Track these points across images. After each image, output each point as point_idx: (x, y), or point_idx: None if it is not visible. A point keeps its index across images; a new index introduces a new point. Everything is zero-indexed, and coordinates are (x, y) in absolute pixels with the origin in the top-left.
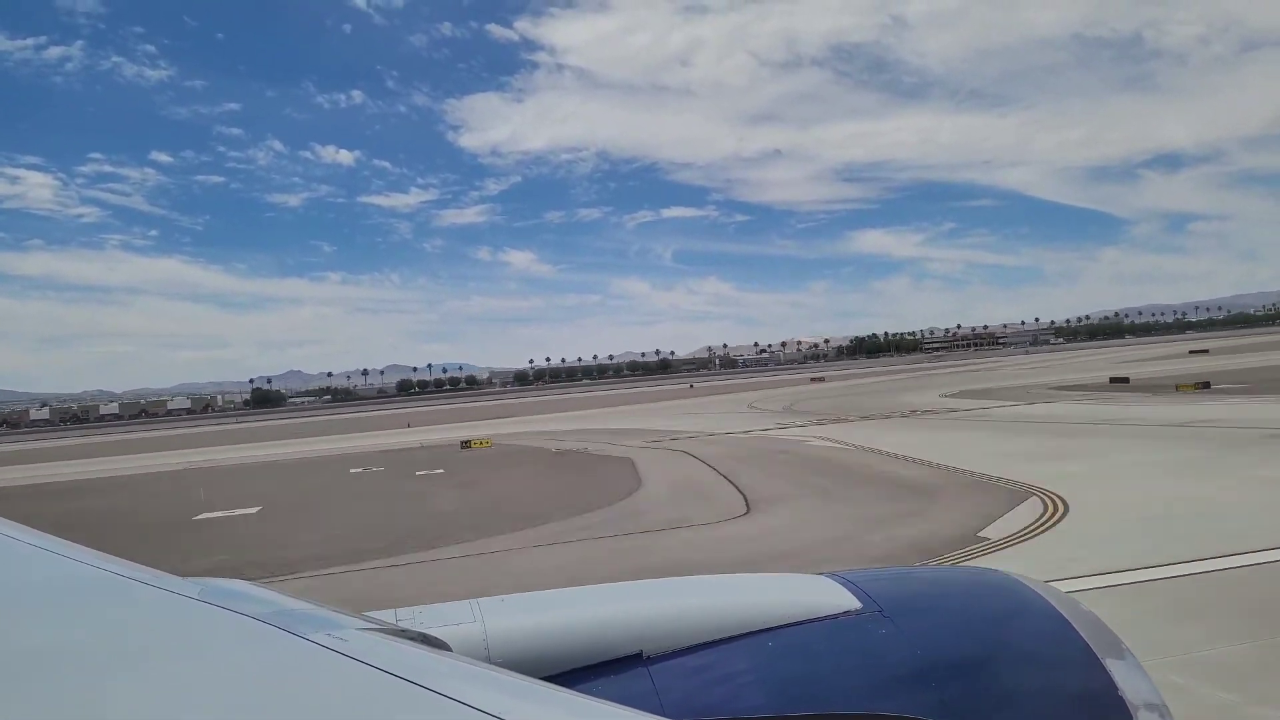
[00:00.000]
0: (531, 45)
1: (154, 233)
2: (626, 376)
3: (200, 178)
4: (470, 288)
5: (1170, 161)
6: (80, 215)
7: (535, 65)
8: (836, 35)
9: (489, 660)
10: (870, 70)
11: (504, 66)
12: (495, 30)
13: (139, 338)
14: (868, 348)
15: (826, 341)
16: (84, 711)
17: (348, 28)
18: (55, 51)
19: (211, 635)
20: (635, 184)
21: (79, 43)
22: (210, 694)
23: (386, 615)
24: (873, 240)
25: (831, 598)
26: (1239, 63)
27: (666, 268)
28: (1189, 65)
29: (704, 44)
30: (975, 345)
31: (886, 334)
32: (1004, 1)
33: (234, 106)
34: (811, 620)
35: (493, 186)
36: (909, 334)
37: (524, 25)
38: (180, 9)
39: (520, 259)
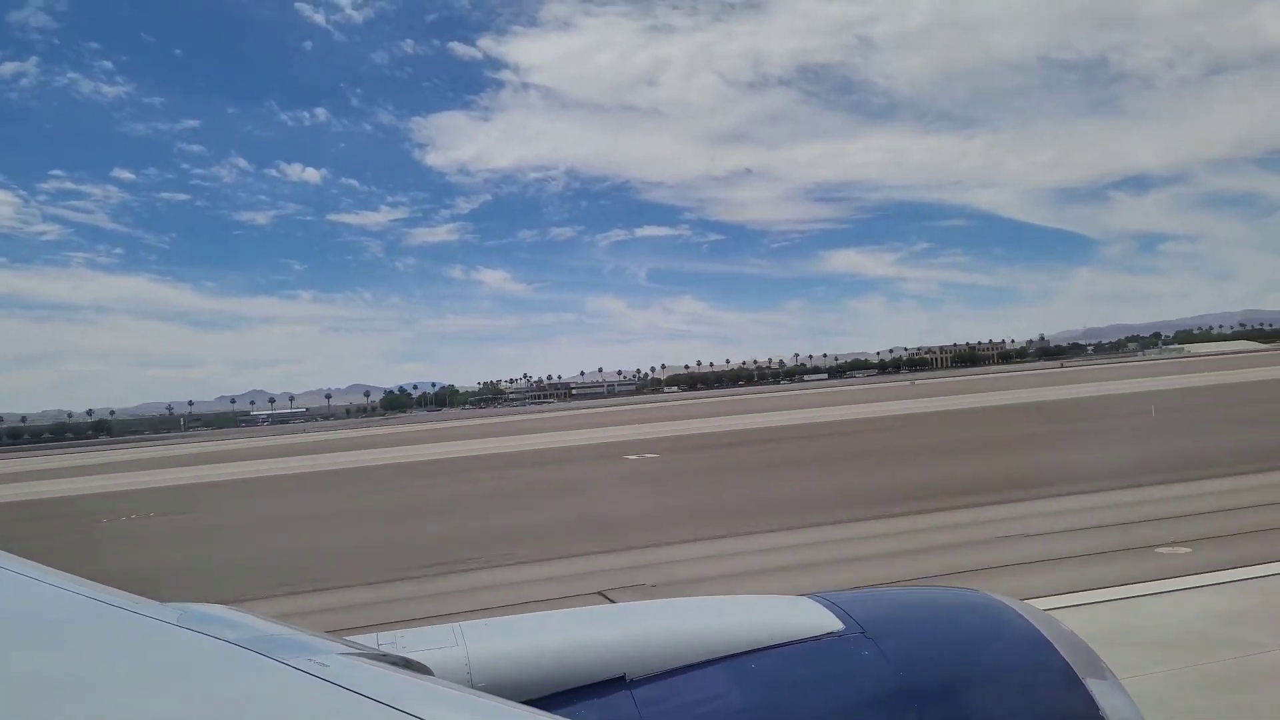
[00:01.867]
0: (496, 63)
1: (119, 250)
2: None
3: (165, 195)
4: (444, 306)
5: (1139, 183)
6: (42, 233)
7: (500, 84)
8: (803, 55)
9: (471, 684)
10: (838, 91)
11: (469, 85)
12: (458, 48)
13: (109, 356)
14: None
15: (663, 367)
16: None
17: (309, 45)
18: (9, 67)
19: (190, 662)
20: (607, 203)
21: (32, 59)
22: None
23: (368, 639)
24: (846, 260)
25: (814, 619)
26: (1205, 86)
27: (642, 287)
28: (1155, 88)
29: (670, 64)
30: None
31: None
32: (969, 24)
33: (194, 123)
34: (794, 642)
35: (463, 205)
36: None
37: (487, 43)
38: (136, 25)
39: (493, 278)
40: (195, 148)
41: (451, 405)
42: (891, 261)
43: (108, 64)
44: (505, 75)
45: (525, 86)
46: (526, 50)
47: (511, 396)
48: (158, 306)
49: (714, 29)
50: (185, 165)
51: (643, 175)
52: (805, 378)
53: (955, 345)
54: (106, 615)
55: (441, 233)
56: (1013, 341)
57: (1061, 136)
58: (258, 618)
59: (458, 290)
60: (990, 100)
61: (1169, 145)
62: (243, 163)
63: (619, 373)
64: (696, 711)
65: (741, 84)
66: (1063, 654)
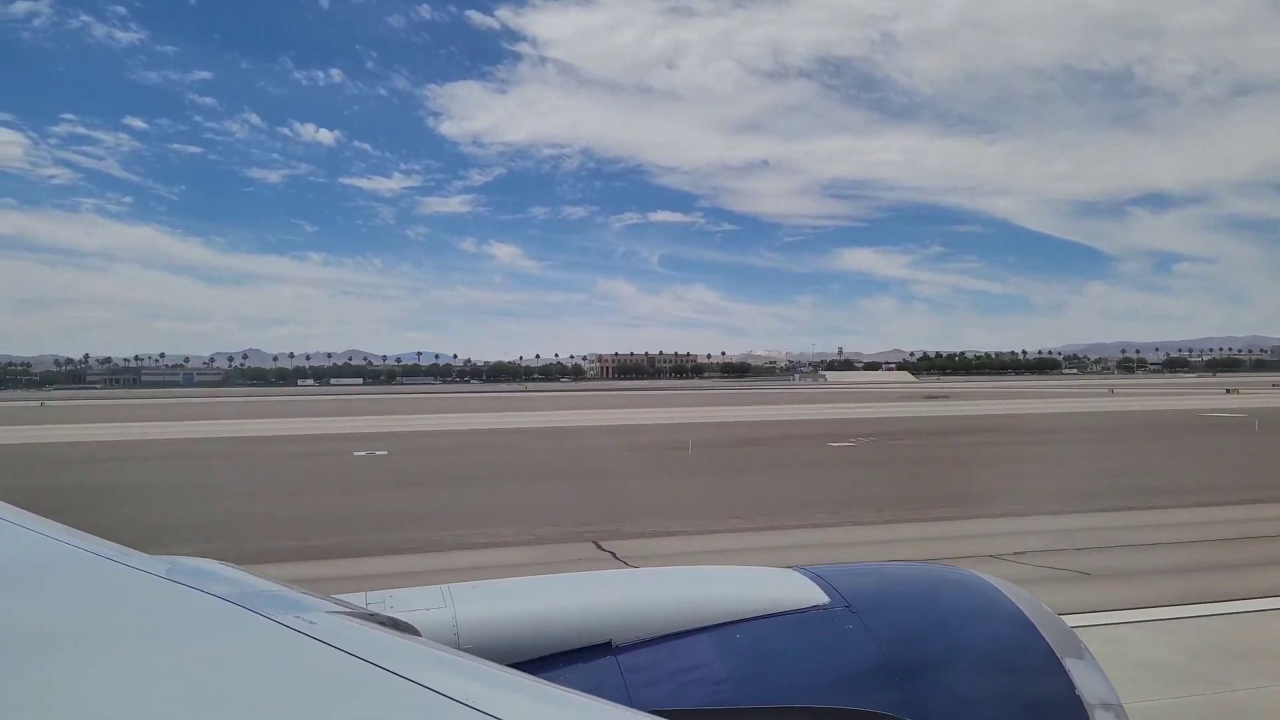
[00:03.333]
0: (513, 35)
1: (128, 199)
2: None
3: (176, 146)
4: (454, 278)
5: (1158, 201)
6: (52, 176)
7: (518, 56)
8: (824, 48)
9: (458, 646)
10: (858, 86)
11: (485, 55)
12: (475, 17)
13: (118, 305)
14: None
15: (583, 359)
16: (44, 693)
17: (324, 2)
18: (21, 6)
19: (177, 615)
20: (621, 184)
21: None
22: (174, 675)
23: (356, 599)
24: (860, 258)
25: (800, 592)
26: (1230, 106)
27: (653, 272)
28: (1179, 105)
29: (689, 48)
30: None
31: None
32: (993, 26)
33: (206, 75)
34: (779, 614)
35: (477, 177)
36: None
37: (505, 14)
38: None
39: (505, 252)
40: (207, 100)
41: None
42: (905, 264)
43: (120, 9)
44: (522, 48)
45: (542, 61)
46: (544, 24)
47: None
48: (167, 259)
49: (735, 15)
50: (198, 118)
51: (657, 159)
52: (703, 375)
53: (917, 353)
54: (94, 566)
55: (454, 204)
56: (996, 354)
57: (1082, 147)
58: (247, 573)
59: (468, 263)
60: (1011, 106)
61: (1190, 164)
62: (255, 119)
63: (558, 355)
64: (681, 680)
65: (761, 73)
66: (1043, 633)
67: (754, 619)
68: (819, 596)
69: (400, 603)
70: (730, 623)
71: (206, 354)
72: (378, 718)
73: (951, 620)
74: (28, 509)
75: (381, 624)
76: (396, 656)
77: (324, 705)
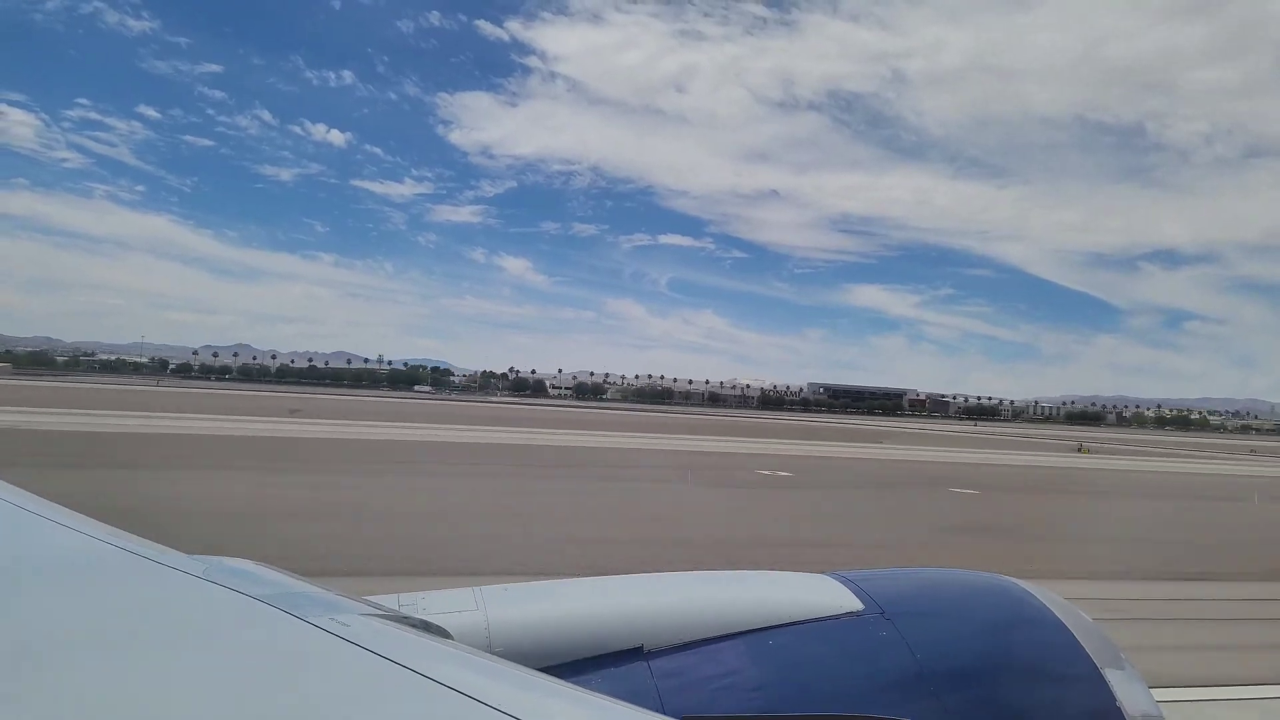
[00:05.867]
0: (523, 48)
1: (140, 188)
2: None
3: (189, 138)
4: (464, 287)
5: (1169, 258)
6: (64, 160)
7: (528, 70)
8: (834, 81)
9: (490, 649)
10: (868, 123)
11: (496, 67)
12: (485, 27)
13: (129, 293)
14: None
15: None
16: (82, 690)
17: (336, 3)
18: None
19: (214, 615)
20: (631, 205)
21: None
22: (207, 675)
23: (389, 600)
24: (869, 295)
25: (834, 598)
26: (1243, 167)
27: (662, 295)
28: (1191, 163)
29: (699, 72)
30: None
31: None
32: (1005, 71)
33: (217, 68)
34: (813, 620)
35: (488, 188)
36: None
37: (515, 26)
38: None
39: (515, 265)
40: (217, 94)
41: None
42: (914, 303)
43: None
44: (532, 61)
45: (552, 76)
46: (554, 39)
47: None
48: (179, 249)
49: (745, 42)
50: (210, 111)
51: (667, 182)
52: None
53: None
54: (133, 565)
55: (465, 213)
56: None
57: (1092, 199)
58: (283, 573)
59: (478, 273)
60: (1022, 153)
61: (1202, 223)
62: (267, 115)
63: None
64: (713, 685)
65: (771, 102)
66: (1082, 643)
67: (787, 625)
68: (853, 603)
69: (432, 605)
70: (763, 628)
71: (198, 345)
72: None
73: (989, 628)
74: None
75: (413, 626)
76: (427, 659)
77: (355, 707)
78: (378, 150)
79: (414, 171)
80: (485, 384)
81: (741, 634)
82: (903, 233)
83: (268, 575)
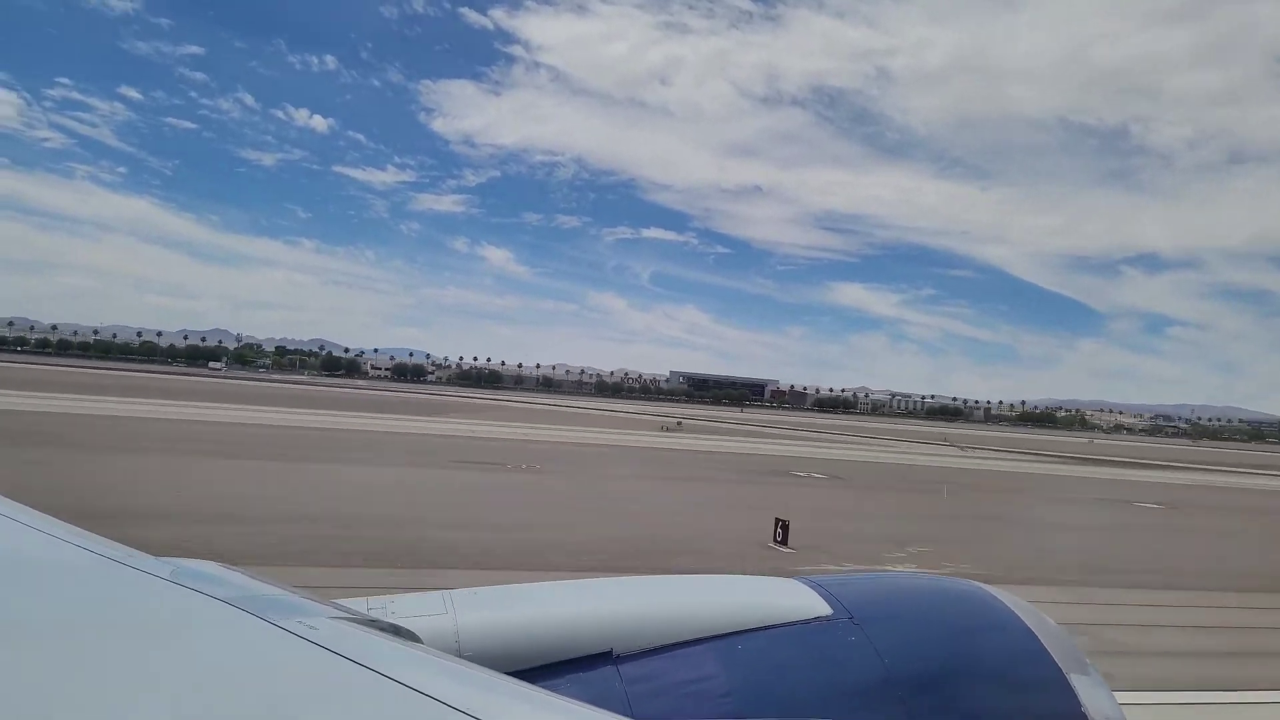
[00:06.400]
0: (507, 37)
1: (122, 169)
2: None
3: (170, 120)
4: (445, 277)
5: (1150, 263)
6: (45, 139)
7: (511, 59)
8: (819, 78)
9: (459, 653)
10: (853, 120)
11: (479, 56)
12: (469, 15)
13: (110, 275)
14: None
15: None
16: (46, 694)
17: None
18: None
19: (179, 618)
20: (614, 198)
21: None
22: (173, 678)
23: (358, 604)
24: (851, 293)
25: (803, 602)
26: (1227, 174)
27: (644, 289)
28: (1174, 168)
29: (683, 65)
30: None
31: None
32: (990, 72)
33: (198, 50)
34: (782, 625)
35: (470, 178)
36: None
37: (499, 15)
38: None
39: (497, 256)
40: (199, 76)
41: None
42: (896, 303)
43: None
44: (516, 50)
45: (536, 66)
46: (538, 28)
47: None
48: (160, 232)
49: (730, 35)
50: (192, 93)
51: (651, 176)
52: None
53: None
54: (98, 567)
55: (447, 202)
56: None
57: (1075, 202)
58: (250, 576)
59: (460, 263)
60: (1006, 154)
61: (1184, 229)
62: (249, 99)
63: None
64: (683, 690)
65: (755, 97)
66: (1048, 648)
67: (756, 629)
68: (821, 607)
69: (401, 608)
70: (732, 633)
71: (177, 329)
72: None
73: (956, 633)
74: None
75: (382, 630)
76: (396, 663)
77: (323, 711)
78: (360, 137)
79: (396, 159)
80: (294, 363)
81: (710, 638)
82: (885, 231)
83: (235, 578)
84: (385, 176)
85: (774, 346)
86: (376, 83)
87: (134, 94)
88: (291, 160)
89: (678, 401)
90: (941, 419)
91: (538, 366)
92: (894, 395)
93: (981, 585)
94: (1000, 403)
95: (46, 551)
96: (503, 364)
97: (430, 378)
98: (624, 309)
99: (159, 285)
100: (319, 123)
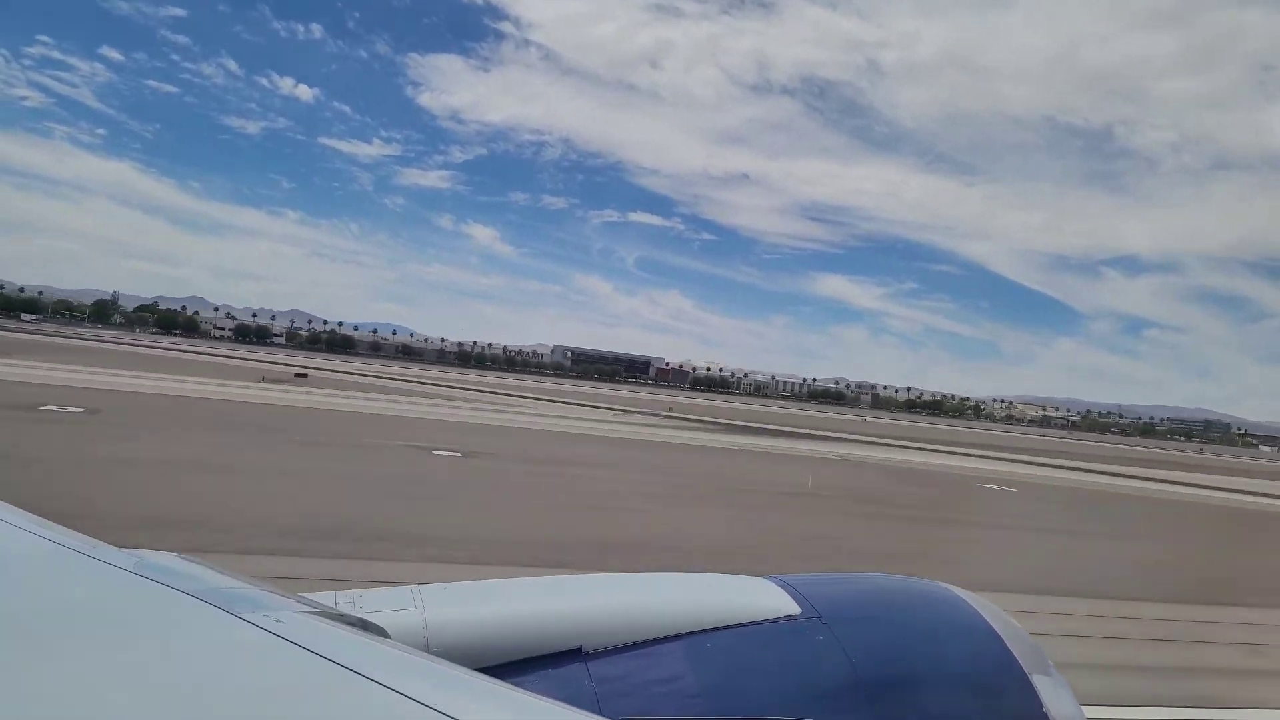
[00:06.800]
0: (496, 13)
1: (102, 131)
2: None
3: (152, 83)
4: (430, 254)
5: (1130, 264)
6: (24, 98)
7: (500, 35)
8: (809, 67)
9: (427, 649)
10: (841, 111)
11: (468, 30)
12: None
13: (87, 239)
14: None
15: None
16: (3, 688)
17: None
18: None
19: (143, 611)
20: (602, 180)
21: None
22: (137, 671)
23: (325, 598)
24: (834, 285)
25: (772, 601)
26: (1208, 179)
27: (629, 273)
28: (1157, 172)
29: (674, 49)
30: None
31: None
32: (979, 69)
33: (181, 13)
34: (751, 624)
35: (457, 154)
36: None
37: None
38: None
39: (483, 234)
40: (181, 39)
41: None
42: (879, 295)
43: None
44: (505, 27)
45: (525, 43)
46: (528, 5)
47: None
48: (140, 198)
49: (722, 21)
50: (174, 56)
51: (638, 159)
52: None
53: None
54: (60, 558)
55: (433, 178)
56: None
57: (1059, 201)
58: (214, 570)
59: (446, 240)
60: (992, 151)
61: (1164, 232)
62: (233, 65)
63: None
64: (651, 689)
65: (745, 85)
66: (1012, 649)
67: (725, 628)
68: (790, 606)
69: (370, 603)
70: (701, 631)
71: (153, 295)
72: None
73: (922, 633)
74: None
75: (350, 624)
76: (362, 658)
77: (287, 705)
78: (346, 108)
79: (382, 132)
80: (130, 320)
81: (680, 636)
82: (870, 224)
83: (200, 571)
84: (370, 150)
85: (757, 335)
86: (363, 53)
87: (115, 55)
88: (276, 129)
89: (546, 375)
90: (825, 401)
91: (427, 340)
92: (774, 377)
93: (949, 587)
94: (773, 377)
95: (3, 541)
96: (411, 335)
97: (278, 339)
98: (609, 292)
99: (138, 250)
100: (304, 92)
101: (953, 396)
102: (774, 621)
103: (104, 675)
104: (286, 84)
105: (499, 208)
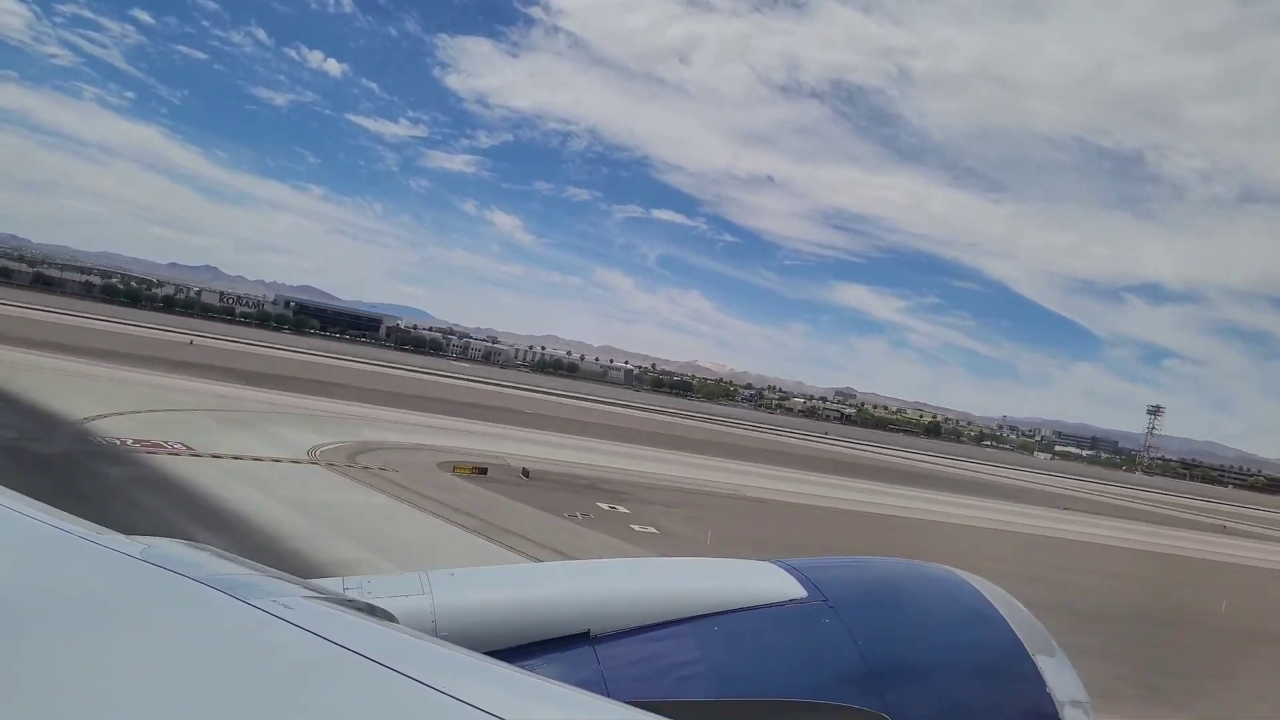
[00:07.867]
0: None
1: (130, 94)
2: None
3: (181, 48)
4: (453, 239)
5: (1154, 293)
6: (54, 55)
7: (531, 20)
8: (839, 71)
9: (435, 633)
10: (870, 119)
11: (499, 14)
12: None
13: (112, 201)
14: None
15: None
16: (16, 675)
17: None
18: None
19: (151, 597)
20: (626, 175)
21: None
22: (146, 657)
23: (333, 584)
24: (855, 295)
25: (778, 585)
26: (1237, 210)
27: (650, 270)
28: (1186, 199)
29: (704, 44)
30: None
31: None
32: (1011, 83)
33: None
34: (757, 607)
35: (483, 139)
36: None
37: None
38: None
39: (505, 222)
40: (211, 4)
41: None
42: (899, 308)
43: None
44: (536, 12)
45: (555, 30)
46: None
47: None
48: (167, 164)
49: (753, 19)
50: (205, 23)
51: (663, 155)
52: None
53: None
54: (68, 545)
55: (458, 162)
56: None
57: (1085, 224)
58: (222, 556)
59: (469, 225)
60: (1020, 168)
61: (1190, 262)
62: (262, 34)
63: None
64: (658, 672)
65: (773, 85)
66: (1016, 631)
67: (732, 611)
68: (796, 590)
69: (378, 589)
70: (708, 614)
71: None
72: (351, 704)
73: (927, 616)
74: None
75: (358, 610)
76: (371, 643)
77: (297, 690)
78: (374, 86)
79: (409, 113)
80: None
81: (686, 620)
82: (894, 235)
83: (207, 557)
84: (397, 129)
85: (775, 341)
86: (393, 31)
87: (146, 17)
88: (303, 102)
89: (251, 324)
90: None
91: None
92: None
93: (953, 570)
94: (530, 348)
95: (11, 530)
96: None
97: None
98: (630, 288)
99: (161, 216)
100: (332, 66)
101: (935, 415)
102: (780, 605)
103: (112, 660)
104: (315, 57)
105: (523, 196)
